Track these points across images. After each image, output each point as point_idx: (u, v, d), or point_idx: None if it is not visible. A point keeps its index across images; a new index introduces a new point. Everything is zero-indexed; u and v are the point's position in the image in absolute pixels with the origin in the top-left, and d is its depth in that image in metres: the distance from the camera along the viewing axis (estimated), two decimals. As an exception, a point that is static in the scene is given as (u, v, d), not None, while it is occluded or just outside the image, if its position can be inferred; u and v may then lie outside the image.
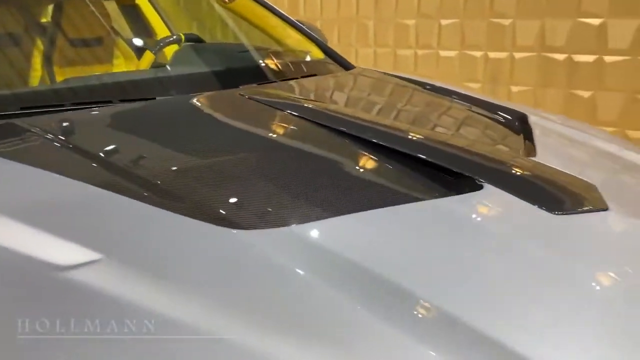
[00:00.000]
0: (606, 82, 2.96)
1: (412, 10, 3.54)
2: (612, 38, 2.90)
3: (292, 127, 1.26)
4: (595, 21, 2.93)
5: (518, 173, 1.03)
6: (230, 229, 0.82)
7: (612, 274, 0.79)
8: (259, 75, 1.62)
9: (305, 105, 1.34)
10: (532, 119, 1.38)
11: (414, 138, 1.17)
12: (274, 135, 1.24)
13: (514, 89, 3.25)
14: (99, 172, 1.01)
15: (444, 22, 3.45)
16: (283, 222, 0.84)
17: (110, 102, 1.34)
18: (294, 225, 0.84)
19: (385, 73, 1.82)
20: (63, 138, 1.16)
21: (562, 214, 0.88)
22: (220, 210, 0.88)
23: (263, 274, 0.75)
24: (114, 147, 1.13)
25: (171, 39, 1.93)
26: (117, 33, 2.50)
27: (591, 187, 0.98)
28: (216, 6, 2.14)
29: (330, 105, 1.43)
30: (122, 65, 2.41)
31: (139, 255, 0.78)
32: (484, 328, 0.65)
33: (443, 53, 3.48)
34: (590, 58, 2.99)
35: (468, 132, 1.38)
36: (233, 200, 0.94)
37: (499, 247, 0.83)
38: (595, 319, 0.70)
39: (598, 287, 0.77)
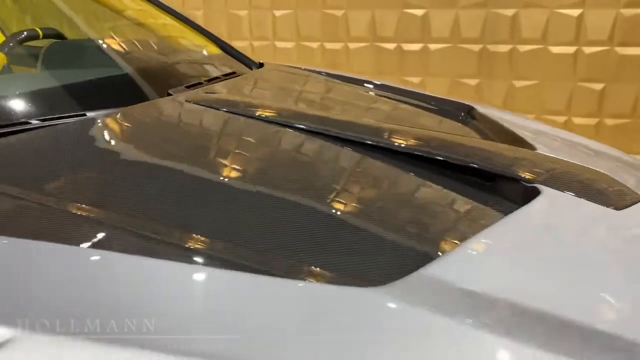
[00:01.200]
0: (431, 68, 3.22)
1: (244, 0, 3.43)
2: (434, 27, 3.16)
3: (313, 146, 1.07)
4: (419, 12, 3.16)
5: (559, 172, 0.98)
6: (355, 287, 0.66)
7: None
8: (182, 77, 1.37)
9: (303, 117, 1.16)
10: (482, 110, 1.37)
11: (454, 144, 1.08)
12: (306, 160, 1.04)
13: (352, 78, 3.36)
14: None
15: (277, 13, 3.40)
16: (409, 269, 0.69)
17: (26, 122, 1.02)
18: (421, 269, 0.69)
19: (292, 67, 1.71)
20: None
21: (626, 208, 0.88)
22: (334, 267, 0.70)
23: (425, 339, 0.61)
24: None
25: (24, 34, 1.56)
26: None
27: (610, 177, 0.99)
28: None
29: (325, 113, 1.26)
30: None
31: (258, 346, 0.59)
32: None
33: (280, 44, 3.45)
34: (417, 47, 3.22)
35: (463, 131, 1.31)
36: (346, 250, 0.75)
37: (616, 253, 0.80)
38: None
39: None
